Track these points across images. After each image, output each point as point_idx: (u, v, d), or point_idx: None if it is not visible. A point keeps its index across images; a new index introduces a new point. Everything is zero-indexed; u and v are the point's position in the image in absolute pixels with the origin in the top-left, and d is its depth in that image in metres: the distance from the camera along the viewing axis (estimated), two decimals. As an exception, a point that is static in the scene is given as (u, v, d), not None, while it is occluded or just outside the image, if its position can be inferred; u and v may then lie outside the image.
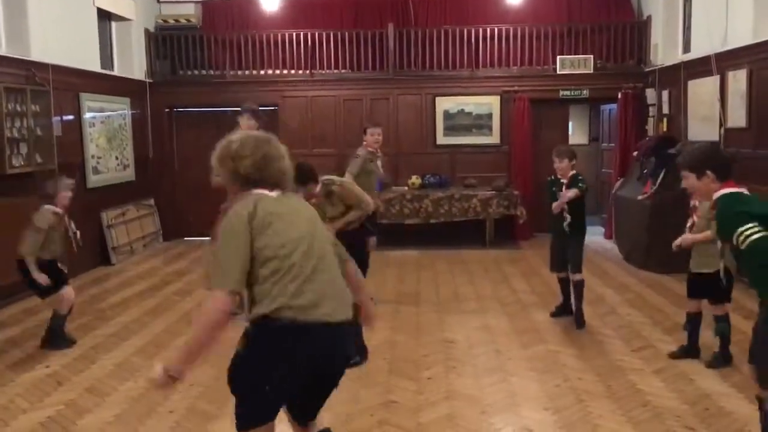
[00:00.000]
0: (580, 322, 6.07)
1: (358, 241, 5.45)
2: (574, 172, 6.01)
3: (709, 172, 3.33)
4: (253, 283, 2.61)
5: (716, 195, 3.29)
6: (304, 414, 2.95)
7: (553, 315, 6.40)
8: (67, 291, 5.68)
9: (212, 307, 2.54)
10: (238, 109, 6.77)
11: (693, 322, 5.22)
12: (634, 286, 7.63)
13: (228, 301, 2.55)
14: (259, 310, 2.59)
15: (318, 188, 5.12)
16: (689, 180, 3.47)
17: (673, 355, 5.23)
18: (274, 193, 2.74)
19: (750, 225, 2.99)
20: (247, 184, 2.73)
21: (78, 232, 5.95)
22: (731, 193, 3.25)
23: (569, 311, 6.33)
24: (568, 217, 6.02)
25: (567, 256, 6.12)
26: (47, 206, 5.57)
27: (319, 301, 2.63)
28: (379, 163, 7.17)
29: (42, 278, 5.45)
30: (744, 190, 3.30)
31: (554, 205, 6.05)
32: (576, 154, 6.14)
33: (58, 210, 5.61)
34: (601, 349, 5.46)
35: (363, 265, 5.24)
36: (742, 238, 3.00)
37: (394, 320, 6.36)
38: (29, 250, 5.44)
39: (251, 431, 2.71)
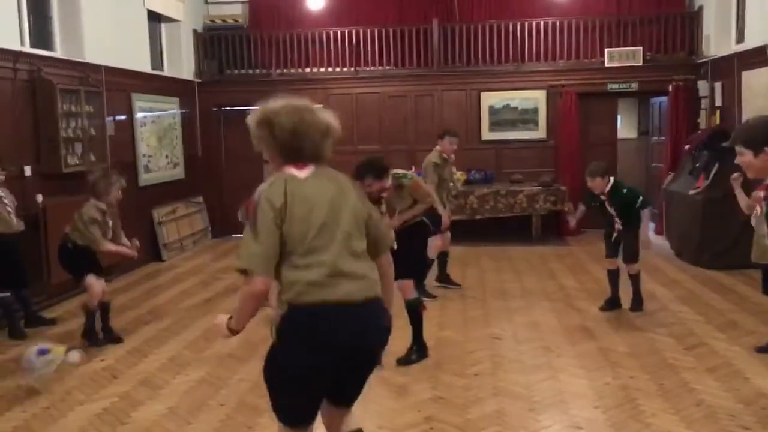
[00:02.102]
0: (637, 305, 6.22)
1: (419, 237, 5.44)
2: (610, 184, 6.00)
3: (767, 148, 3.16)
4: (278, 271, 2.62)
5: None
6: (339, 399, 2.87)
7: (603, 309, 6.35)
8: (93, 282, 5.66)
9: (252, 291, 2.57)
10: None
11: None
12: (686, 282, 7.47)
13: (262, 284, 2.56)
14: (283, 297, 2.61)
15: (389, 182, 5.16)
16: (745, 157, 3.28)
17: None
18: (305, 172, 2.68)
19: None
20: (283, 155, 2.69)
21: (121, 234, 6.01)
22: None
23: (618, 305, 6.29)
24: (619, 222, 6.12)
25: (618, 247, 6.21)
26: (93, 201, 5.68)
27: (339, 283, 2.60)
28: (453, 168, 7.43)
29: (114, 247, 5.73)
30: None
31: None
32: (608, 169, 6.14)
33: (103, 206, 5.71)
34: (652, 347, 5.36)
35: (422, 263, 5.26)
36: None
37: (441, 316, 6.35)
38: (99, 242, 5.61)
39: (289, 428, 2.73)
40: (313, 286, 2.58)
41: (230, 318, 2.71)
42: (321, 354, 2.60)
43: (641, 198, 6.03)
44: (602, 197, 6.06)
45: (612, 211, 6.10)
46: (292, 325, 2.61)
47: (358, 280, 2.66)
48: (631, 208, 6.02)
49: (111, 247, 5.72)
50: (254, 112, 2.73)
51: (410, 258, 5.09)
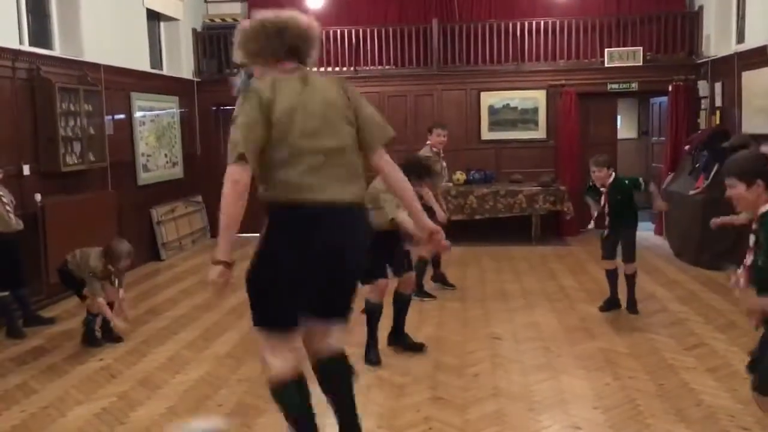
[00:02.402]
0: (634, 308, 6.19)
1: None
2: (612, 177, 6.03)
3: (760, 182, 3.14)
4: (265, 169, 2.66)
5: (763, 209, 3.12)
6: (322, 312, 2.86)
7: (602, 309, 6.34)
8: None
9: (226, 180, 2.63)
10: None
11: None
12: (686, 282, 7.46)
13: (239, 170, 2.61)
14: (269, 194, 2.65)
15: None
16: (736, 189, 3.23)
17: None
18: (296, 73, 2.79)
19: None
20: (268, 55, 2.80)
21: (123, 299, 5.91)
22: None
23: (618, 305, 6.29)
24: (608, 218, 6.12)
25: (617, 245, 6.17)
26: (103, 259, 5.56)
27: (327, 185, 2.64)
28: (443, 164, 7.36)
29: (104, 307, 5.53)
30: None
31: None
32: (612, 162, 6.22)
33: (111, 268, 5.58)
34: (652, 347, 5.35)
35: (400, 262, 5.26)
36: None
37: (440, 316, 6.34)
38: (95, 294, 5.51)
39: (266, 333, 2.76)
40: (299, 184, 2.61)
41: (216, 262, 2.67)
42: (303, 250, 2.62)
43: (640, 181, 6.08)
44: (602, 189, 6.06)
45: (607, 206, 6.08)
46: (276, 224, 2.65)
47: (347, 184, 2.69)
48: (630, 200, 6.03)
49: (102, 304, 5.51)
50: (259, 20, 2.85)
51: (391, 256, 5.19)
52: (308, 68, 2.89)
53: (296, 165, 2.64)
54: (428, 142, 7.26)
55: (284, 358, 2.79)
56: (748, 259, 3.22)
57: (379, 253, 4.96)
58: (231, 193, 2.62)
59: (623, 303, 6.34)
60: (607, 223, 6.15)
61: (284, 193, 2.64)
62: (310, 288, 2.72)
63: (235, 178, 2.61)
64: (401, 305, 5.34)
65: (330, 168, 2.69)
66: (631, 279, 6.24)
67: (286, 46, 2.81)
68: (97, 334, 5.77)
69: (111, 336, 5.82)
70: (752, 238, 3.25)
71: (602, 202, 6.10)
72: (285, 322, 2.75)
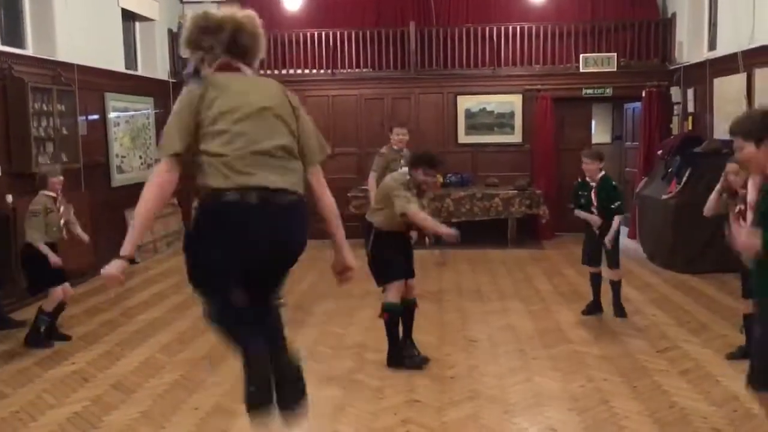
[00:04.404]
0: (621, 312, 6.20)
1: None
2: (603, 173, 6.05)
3: None
4: (197, 161, 2.65)
5: None
6: (262, 293, 2.83)
7: (585, 313, 6.33)
8: (57, 291, 5.69)
9: (153, 177, 2.63)
10: None
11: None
12: (659, 286, 7.56)
13: (166, 168, 2.62)
14: (200, 182, 2.64)
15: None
16: (746, 150, 2.99)
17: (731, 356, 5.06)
18: (235, 72, 2.77)
19: None
20: (208, 50, 2.77)
21: (75, 223, 5.99)
22: None
23: (600, 309, 6.31)
24: (596, 213, 6.08)
25: (601, 251, 6.14)
26: (41, 192, 5.74)
27: (257, 173, 2.61)
28: (402, 162, 7.21)
29: (54, 258, 5.59)
30: None
31: (606, 240, 6.00)
32: (603, 156, 6.19)
33: (51, 193, 5.75)
34: (626, 350, 5.41)
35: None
36: None
37: (417, 319, 6.31)
38: (36, 236, 5.58)
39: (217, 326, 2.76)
40: (228, 173, 2.58)
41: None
42: (242, 241, 2.61)
43: (620, 203, 6.04)
44: (592, 184, 6.04)
45: (595, 201, 6.05)
46: (206, 214, 2.64)
47: (277, 170, 2.66)
48: (610, 205, 6.02)
49: (45, 249, 5.60)
50: (201, 13, 2.82)
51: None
52: (252, 68, 2.86)
53: (232, 153, 2.61)
54: (390, 141, 7.25)
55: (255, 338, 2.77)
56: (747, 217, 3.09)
57: (393, 254, 5.00)
58: (154, 192, 2.62)
59: (605, 307, 6.33)
60: (597, 222, 6.04)
61: (210, 182, 2.61)
62: (246, 273, 2.70)
63: (162, 179, 2.62)
64: (410, 311, 5.25)
65: (266, 163, 2.65)
66: (616, 285, 6.22)
67: (225, 43, 2.77)
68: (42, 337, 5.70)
69: (58, 335, 5.81)
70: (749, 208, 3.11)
71: (592, 199, 6.03)
72: (234, 314, 2.74)
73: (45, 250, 5.58)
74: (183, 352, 5.55)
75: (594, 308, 6.34)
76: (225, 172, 2.59)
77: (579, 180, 6.26)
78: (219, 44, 2.78)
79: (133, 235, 2.66)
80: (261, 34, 2.89)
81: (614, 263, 6.15)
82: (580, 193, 6.19)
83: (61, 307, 5.84)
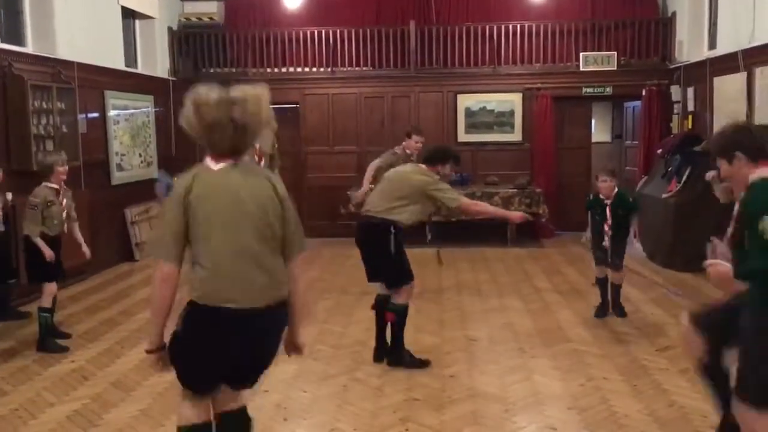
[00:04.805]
0: (621, 311, 6.20)
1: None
2: (616, 190, 6.00)
3: (738, 154, 2.94)
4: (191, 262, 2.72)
5: (751, 178, 2.90)
6: (234, 385, 2.93)
7: (597, 316, 6.25)
8: (50, 286, 5.61)
9: (157, 279, 2.69)
10: None
11: None
12: (659, 285, 7.55)
13: (168, 269, 2.67)
14: (188, 292, 2.73)
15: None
16: (723, 167, 3.02)
17: None
18: (221, 164, 2.70)
19: None
20: (204, 144, 2.73)
21: (75, 221, 5.92)
22: None
23: (609, 309, 6.26)
24: (609, 230, 6.00)
25: (606, 252, 6.07)
26: (44, 183, 5.64)
27: (229, 288, 2.65)
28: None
29: (48, 252, 5.47)
30: None
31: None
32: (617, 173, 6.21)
33: (54, 185, 5.65)
34: (625, 349, 5.41)
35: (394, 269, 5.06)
36: None
37: (417, 318, 6.34)
38: (33, 228, 5.49)
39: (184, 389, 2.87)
40: (209, 288, 2.66)
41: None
42: (212, 354, 2.71)
43: (636, 210, 6.07)
44: (606, 201, 5.97)
45: (609, 218, 5.95)
46: (189, 321, 2.73)
47: (257, 285, 2.70)
48: (627, 216, 5.99)
49: (40, 242, 5.50)
50: (188, 97, 2.70)
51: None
52: (245, 157, 2.79)
53: (207, 266, 2.67)
54: (403, 143, 7.24)
55: (198, 408, 2.88)
56: (729, 231, 3.03)
57: (404, 256, 4.98)
58: (161, 292, 2.71)
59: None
60: (606, 237, 5.99)
61: (196, 293, 2.70)
62: (226, 368, 2.82)
63: (165, 278, 2.68)
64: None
65: (246, 270, 2.68)
66: (617, 287, 6.20)
67: (221, 143, 2.68)
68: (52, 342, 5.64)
69: (58, 333, 5.79)
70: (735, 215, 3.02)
71: (607, 216, 5.95)
72: (201, 389, 2.87)
73: (40, 243, 5.48)
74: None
75: (604, 310, 6.26)
76: (203, 288, 2.70)
77: (591, 196, 6.22)
78: (212, 143, 2.72)
79: (155, 330, 2.80)
80: (259, 120, 2.75)
81: (618, 266, 6.08)
82: (592, 210, 6.12)
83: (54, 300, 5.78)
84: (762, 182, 2.87)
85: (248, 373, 2.89)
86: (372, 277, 5.12)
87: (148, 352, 2.82)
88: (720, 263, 3.00)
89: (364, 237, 5.08)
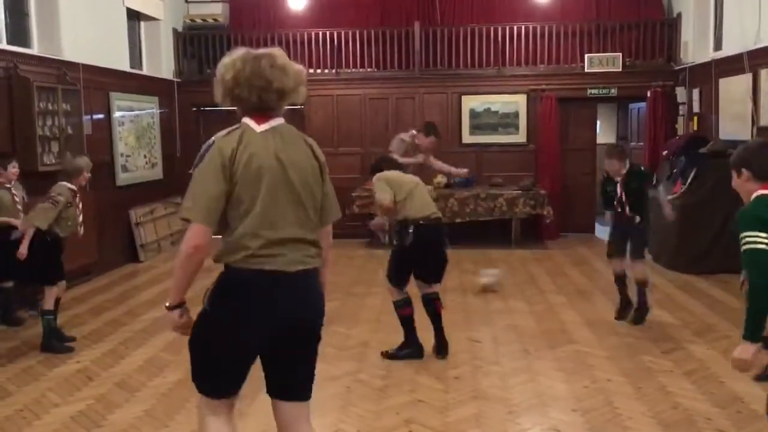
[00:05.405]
0: (640, 318, 6.05)
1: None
2: (626, 168, 5.97)
3: (744, 170, 3.07)
4: (225, 229, 2.58)
5: (753, 196, 3.03)
6: (286, 389, 2.76)
7: (619, 318, 6.17)
8: (52, 289, 5.59)
9: (187, 244, 2.52)
10: None
11: None
12: (663, 286, 7.53)
13: (200, 234, 2.50)
14: (222, 258, 2.59)
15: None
16: (733, 178, 3.14)
17: None
18: (264, 126, 2.61)
19: (756, 233, 2.80)
20: (240, 107, 2.64)
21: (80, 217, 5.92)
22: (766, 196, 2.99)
23: (631, 306, 6.15)
24: (627, 208, 5.96)
25: (626, 243, 6.06)
26: (63, 182, 5.65)
27: (278, 253, 2.55)
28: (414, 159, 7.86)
29: (24, 250, 5.39)
30: None
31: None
32: (626, 153, 6.17)
33: (73, 187, 5.68)
34: (630, 351, 5.40)
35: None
36: (743, 242, 2.83)
37: (421, 319, 6.33)
38: (39, 220, 5.44)
39: (206, 399, 2.71)
40: (251, 253, 2.53)
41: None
42: (251, 324, 2.55)
43: (651, 179, 6.15)
44: (616, 179, 5.96)
45: (624, 196, 5.93)
46: (224, 289, 2.59)
47: (299, 251, 2.61)
48: (643, 192, 5.97)
49: (27, 237, 5.43)
50: (224, 60, 2.64)
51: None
52: (282, 118, 2.70)
53: (250, 232, 2.55)
54: (413, 132, 7.47)
55: (223, 419, 2.73)
56: None
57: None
58: (188, 260, 2.54)
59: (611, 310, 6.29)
60: (625, 211, 5.95)
61: (235, 259, 2.55)
62: (275, 330, 2.62)
63: (196, 243, 2.51)
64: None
65: (287, 234, 2.59)
66: (642, 286, 6.03)
67: (256, 95, 2.59)
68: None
69: (65, 337, 5.77)
70: None
71: (618, 192, 5.93)
72: (226, 386, 2.71)
73: (28, 236, 5.41)
74: (187, 351, 5.54)
75: (626, 309, 6.16)
76: (244, 253, 2.56)
77: (604, 175, 6.24)
78: (247, 96, 2.63)
79: (177, 291, 2.65)
80: (296, 79, 2.74)
81: (637, 253, 6.03)
82: (608, 189, 6.11)
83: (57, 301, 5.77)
84: (756, 199, 2.98)
85: (304, 333, 2.69)
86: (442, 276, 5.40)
87: (170, 308, 2.65)
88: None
89: (443, 239, 5.34)
